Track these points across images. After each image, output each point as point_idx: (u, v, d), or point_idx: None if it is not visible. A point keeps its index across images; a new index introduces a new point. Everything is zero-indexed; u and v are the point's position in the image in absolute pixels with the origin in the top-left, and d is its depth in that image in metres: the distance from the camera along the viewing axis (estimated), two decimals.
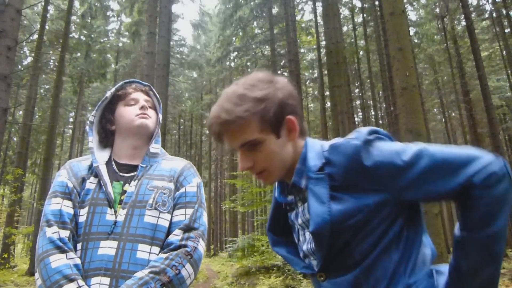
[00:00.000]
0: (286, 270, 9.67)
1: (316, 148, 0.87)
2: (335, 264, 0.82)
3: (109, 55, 21.13)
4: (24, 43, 14.77)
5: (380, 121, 21.35)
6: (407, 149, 0.78)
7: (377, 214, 0.78)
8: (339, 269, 0.82)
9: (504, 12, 15.36)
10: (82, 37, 17.75)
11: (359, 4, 18.97)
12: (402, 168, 0.76)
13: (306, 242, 0.90)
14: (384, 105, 19.35)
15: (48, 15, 15.79)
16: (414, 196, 0.79)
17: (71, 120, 25.74)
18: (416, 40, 18.49)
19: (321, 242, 0.81)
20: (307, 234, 0.89)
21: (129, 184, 1.21)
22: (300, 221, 0.90)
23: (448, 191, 0.75)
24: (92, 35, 17.09)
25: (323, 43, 15.77)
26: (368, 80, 19.37)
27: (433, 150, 0.76)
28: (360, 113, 25.43)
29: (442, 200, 0.84)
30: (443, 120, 23.12)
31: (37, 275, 1.07)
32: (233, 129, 0.83)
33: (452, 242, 0.81)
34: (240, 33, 17.80)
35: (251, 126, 0.82)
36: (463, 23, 16.49)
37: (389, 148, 0.79)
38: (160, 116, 1.37)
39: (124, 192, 1.19)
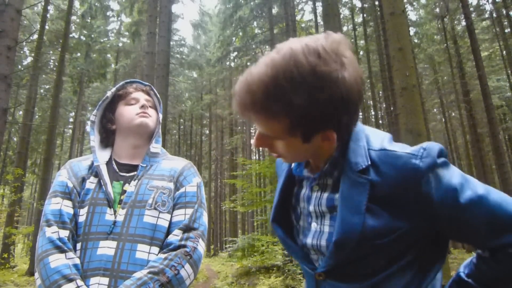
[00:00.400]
0: (286, 270, 9.67)
1: (361, 140, 0.74)
2: (343, 270, 0.76)
3: (109, 55, 21.14)
4: (24, 43, 14.78)
5: (380, 121, 21.36)
6: (469, 187, 0.69)
7: (407, 236, 0.71)
8: (346, 276, 0.76)
9: (504, 12, 15.36)
10: (82, 37, 17.77)
11: (359, 4, 18.98)
12: (457, 206, 0.68)
13: (312, 235, 0.80)
14: (384, 105, 19.36)
15: (48, 15, 15.79)
16: (448, 231, 0.73)
17: (71, 120, 25.74)
18: (416, 40, 18.50)
19: (340, 252, 0.73)
20: (315, 225, 0.80)
21: (129, 184, 1.20)
22: (312, 208, 0.81)
23: (481, 243, 0.72)
24: (92, 35, 17.10)
25: None
26: (368, 80, 19.36)
27: (493, 202, 0.68)
28: (360, 113, 25.42)
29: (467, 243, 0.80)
30: (443, 120, 23.14)
31: (36, 275, 1.07)
32: (259, 117, 0.69)
33: (453, 279, 0.80)
34: (240, 33, 17.81)
35: (280, 124, 0.68)
36: (463, 23, 16.50)
37: (452, 180, 0.69)
38: (161, 115, 1.37)
39: (124, 192, 1.19)
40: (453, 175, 0.70)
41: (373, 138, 0.75)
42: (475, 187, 0.69)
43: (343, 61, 0.66)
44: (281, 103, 0.64)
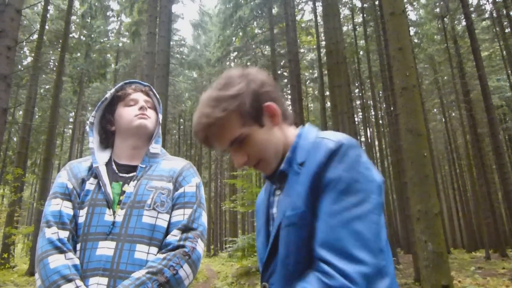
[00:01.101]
0: None
1: (310, 137, 0.85)
2: (281, 267, 0.80)
3: (109, 55, 21.14)
4: (24, 43, 14.78)
5: (380, 121, 21.36)
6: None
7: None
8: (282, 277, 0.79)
9: (504, 12, 15.36)
10: (82, 37, 17.77)
11: (359, 4, 18.97)
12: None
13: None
14: (384, 105, 19.35)
15: (48, 15, 15.79)
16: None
17: (71, 120, 25.75)
18: (416, 40, 18.49)
19: (276, 236, 0.81)
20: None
21: (128, 184, 1.21)
22: (275, 209, 0.89)
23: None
24: (92, 35, 17.09)
25: (323, 43, 15.78)
26: (368, 80, 19.37)
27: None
28: (360, 113, 25.44)
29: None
30: (443, 120, 23.14)
31: (36, 275, 1.08)
32: (216, 130, 0.83)
33: None
34: (240, 33, 17.81)
35: (232, 123, 0.82)
36: (463, 23, 16.51)
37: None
38: (160, 116, 1.37)
39: (123, 192, 1.19)
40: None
41: (320, 134, 0.84)
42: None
43: (246, 72, 0.87)
44: (221, 105, 0.81)
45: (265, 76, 0.88)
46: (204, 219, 1.23)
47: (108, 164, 1.26)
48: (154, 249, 1.13)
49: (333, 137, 0.78)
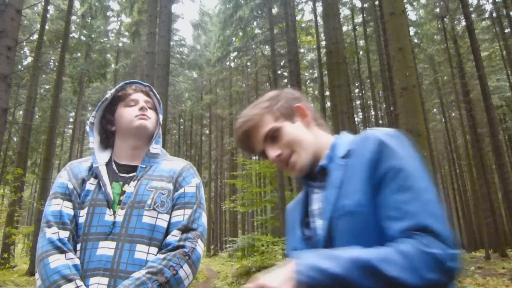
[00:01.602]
0: None
1: (348, 137, 0.93)
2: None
3: (109, 55, 21.13)
4: (24, 43, 14.78)
5: (380, 121, 21.36)
6: None
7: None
8: None
9: (504, 12, 15.37)
10: (82, 37, 17.76)
11: (359, 4, 18.97)
12: None
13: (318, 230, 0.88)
14: (384, 105, 19.36)
15: (48, 15, 15.79)
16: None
17: (71, 120, 25.76)
18: (416, 40, 18.49)
19: (327, 232, 0.83)
20: (320, 222, 0.87)
21: (128, 184, 1.21)
22: (315, 206, 0.91)
23: None
24: (92, 35, 17.09)
25: (323, 43, 15.78)
26: (368, 80, 19.37)
27: None
28: (360, 113, 25.45)
29: None
30: (443, 120, 23.14)
31: (37, 275, 1.08)
32: (252, 127, 0.93)
33: None
34: (240, 33, 17.80)
35: (266, 119, 0.92)
36: (463, 23, 16.51)
37: None
38: (161, 116, 1.37)
39: (123, 192, 1.19)
40: None
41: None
42: None
43: (282, 90, 1.01)
44: (258, 106, 0.95)
45: (298, 93, 1.00)
46: (204, 219, 1.23)
47: (108, 164, 1.26)
48: (154, 249, 1.13)
49: (379, 130, 0.85)
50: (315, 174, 0.91)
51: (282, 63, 19.41)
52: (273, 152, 0.91)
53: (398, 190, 0.74)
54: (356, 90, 23.76)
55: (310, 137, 0.93)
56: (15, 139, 21.25)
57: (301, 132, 0.92)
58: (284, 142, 0.91)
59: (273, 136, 0.91)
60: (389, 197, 0.74)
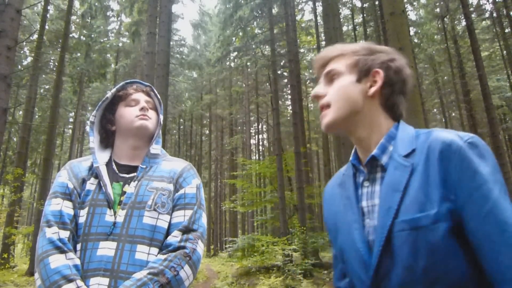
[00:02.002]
0: (286, 270, 9.67)
1: (409, 131, 0.82)
2: (393, 275, 0.74)
3: (109, 55, 21.11)
4: (24, 43, 14.78)
5: None
6: None
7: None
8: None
9: (504, 12, 15.36)
10: (82, 37, 17.74)
11: (359, 4, 18.97)
12: None
13: (366, 232, 0.81)
14: None
15: (48, 15, 15.78)
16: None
17: (71, 120, 25.74)
18: (416, 40, 18.49)
19: (386, 241, 0.75)
20: (368, 221, 0.81)
21: (129, 185, 1.21)
22: (364, 203, 0.83)
23: None
24: (92, 35, 17.07)
25: (323, 43, 15.78)
26: None
27: None
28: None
29: None
30: (443, 120, 23.13)
31: (36, 275, 1.07)
32: (328, 58, 0.90)
33: None
34: (240, 33, 17.79)
35: (344, 60, 0.88)
36: (463, 23, 16.50)
37: None
38: (161, 117, 1.37)
39: (124, 193, 1.19)
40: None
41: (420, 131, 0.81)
42: None
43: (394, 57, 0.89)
44: (354, 46, 0.90)
45: (407, 69, 0.88)
46: (204, 220, 1.23)
47: (108, 164, 1.26)
48: (154, 250, 1.13)
49: (457, 134, 0.74)
50: (367, 161, 0.83)
51: (282, 63, 19.40)
52: (318, 89, 0.90)
53: (490, 232, 0.65)
54: None
55: (358, 104, 0.84)
56: (15, 139, 21.24)
57: (352, 93, 0.85)
58: (333, 89, 0.87)
59: (332, 78, 0.88)
60: (481, 240, 0.66)
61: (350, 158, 0.91)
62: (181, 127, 31.55)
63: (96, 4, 16.48)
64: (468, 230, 0.68)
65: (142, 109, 1.29)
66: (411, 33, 18.06)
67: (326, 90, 0.88)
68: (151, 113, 1.32)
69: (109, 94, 1.32)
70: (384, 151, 0.81)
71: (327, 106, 0.87)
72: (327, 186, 1.00)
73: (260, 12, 17.37)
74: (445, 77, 21.98)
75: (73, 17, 18.05)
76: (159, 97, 1.38)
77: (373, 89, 0.85)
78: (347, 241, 0.84)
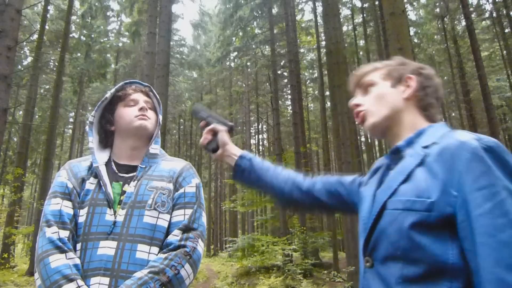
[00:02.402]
0: (286, 270, 9.68)
1: (442, 129, 0.86)
2: (384, 249, 0.79)
3: (109, 55, 21.12)
4: (24, 43, 14.78)
5: None
6: None
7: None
8: (388, 258, 0.78)
9: (504, 12, 15.36)
10: (82, 37, 17.75)
11: (359, 4, 18.97)
12: None
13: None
14: None
15: (48, 15, 15.79)
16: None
17: (71, 120, 25.74)
18: (416, 40, 18.49)
19: (378, 217, 0.82)
20: None
21: (129, 184, 1.21)
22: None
23: None
24: (92, 35, 17.08)
25: (323, 43, 15.78)
26: None
27: None
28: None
29: None
30: (443, 120, 23.12)
31: (36, 275, 1.07)
32: (367, 73, 0.99)
33: None
34: (240, 33, 17.80)
35: (377, 73, 0.97)
36: (463, 23, 16.50)
37: None
38: (160, 117, 1.37)
39: (124, 192, 1.19)
40: None
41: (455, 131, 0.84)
42: None
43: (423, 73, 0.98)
44: (388, 63, 0.99)
45: (437, 78, 0.97)
46: (204, 219, 1.23)
47: (107, 164, 1.27)
48: (155, 249, 1.13)
49: (477, 138, 0.76)
50: (391, 151, 0.91)
51: (282, 63, 19.41)
52: (355, 100, 0.98)
53: (489, 239, 0.66)
54: None
55: (396, 106, 0.92)
56: (15, 139, 21.24)
57: (389, 95, 0.93)
58: (370, 98, 0.95)
59: (366, 88, 0.96)
60: (469, 237, 0.68)
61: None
62: (181, 127, 31.55)
63: (96, 4, 16.49)
64: (460, 226, 0.70)
65: (141, 109, 1.29)
66: (411, 33, 18.05)
67: (362, 99, 0.97)
68: (150, 113, 1.32)
69: (108, 94, 1.32)
70: (410, 144, 0.87)
71: (366, 112, 0.95)
72: (377, 161, 1.08)
73: (260, 12, 17.38)
74: (445, 77, 21.96)
75: (73, 17, 18.06)
76: (158, 97, 1.38)
77: (408, 91, 0.93)
78: (361, 211, 0.93)
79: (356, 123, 0.98)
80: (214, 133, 1.23)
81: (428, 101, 0.93)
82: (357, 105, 0.97)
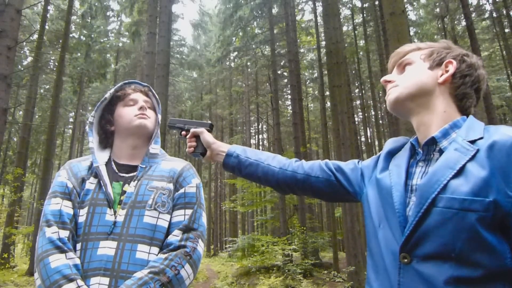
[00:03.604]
0: (286, 270, 9.68)
1: (480, 124, 0.83)
2: (428, 245, 0.75)
3: (109, 55, 21.11)
4: (24, 43, 14.77)
5: (380, 121, 21.36)
6: None
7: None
8: (432, 256, 0.74)
9: (504, 12, 15.36)
10: (82, 37, 17.74)
11: (359, 4, 18.97)
12: None
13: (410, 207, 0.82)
14: (384, 105, 19.34)
15: (48, 15, 15.79)
16: None
17: (71, 120, 25.74)
18: (416, 40, 18.47)
19: (423, 213, 0.77)
20: (414, 199, 0.81)
21: (129, 184, 1.21)
22: (414, 181, 0.84)
23: None
24: (92, 35, 17.07)
25: (323, 43, 15.77)
26: (368, 80, 19.35)
27: None
28: (360, 113, 25.44)
29: None
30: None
31: (36, 275, 1.07)
32: (409, 52, 0.95)
33: None
34: (240, 33, 17.79)
35: (418, 52, 0.93)
36: (463, 23, 16.50)
37: None
38: (159, 116, 1.37)
39: (124, 192, 1.19)
40: None
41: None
42: None
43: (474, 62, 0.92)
44: (434, 45, 0.94)
45: (482, 69, 0.91)
46: (204, 219, 1.23)
47: (107, 164, 1.27)
48: (155, 249, 1.13)
49: None
50: (426, 141, 0.85)
51: (282, 63, 19.40)
52: (388, 76, 0.94)
53: None
54: (356, 90, 23.73)
55: (427, 87, 0.88)
56: (15, 139, 21.24)
57: (422, 76, 0.89)
58: (404, 76, 0.92)
59: (403, 67, 0.93)
60: None
61: (411, 139, 0.94)
62: None
63: (96, 4, 16.47)
64: None
65: (141, 108, 1.30)
66: (411, 33, 18.06)
67: (396, 78, 0.93)
68: (150, 113, 1.33)
69: (107, 94, 1.32)
70: (445, 136, 0.83)
71: (395, 86, 0.92)
72: (389, 141, 1.03)
73: (260, 12, 17.37)
74: None
75: (73, 17, 18.06)
76: (157, 97, 1.38)
77: (444, 76, 0.88)
78: (388, 200, 0.85)
79: (387, 98, 0.93)
80: (197, 137, 1.23)
81: (464, 90, 0.88)
82: (388, 81, 0.93)
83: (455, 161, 0.75)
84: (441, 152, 0.82)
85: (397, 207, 0.81)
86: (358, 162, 1.08)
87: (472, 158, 0.74)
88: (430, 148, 0.85)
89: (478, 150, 0.74)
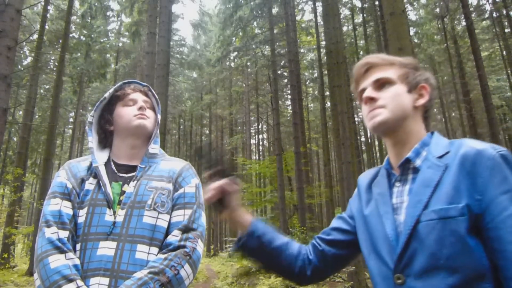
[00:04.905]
0: None
1: (444, 140, 0.90)
2: (420, 262, 0.79)
3: (109, 55, 21.11)
4: (24, 43, 14.77)
5: None
6: None
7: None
8: (426, 271, 0.78)
9: (504, 12, 15.36)
10: (82, 37, 17.74)
11: (359, 4, 18.96)
12: None
13: (392, 226, 0.87)
14: None
15: (48, 15, 15.79)
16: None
17: (71, 120, 25.74)
18: (416, 40, 18.47)
19: (413, 231, 0.82)
20: (396, 217, 0.87)
21: (128, 184, 1.21)
22: (394, 200, 0.90)
23: None
24: (92, 35, 17.06)
25: (323, 43, 15.77)
26: None
27: None
28: (360, 113, 25.43)
29: None
30: (443, 120, 23.13)
31: (36, 275, 1.07)
32: (378, 65, 0.96)
33: None
34: (240, 33, 17.79)
35: (393, 70, 0.95)
36: (463, 23, 16.49)
37: None
38: (159, 116, 1.37)
39: (123, 192, 1.19)
40: None
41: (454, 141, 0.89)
42: None
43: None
44: (403, 60, 0.98)
45: (435, 84, 1.00)
46: (203, 219, 1.23)
47: (107, 164, 1.26)
48: (154, 249, 1.13)
49: (491, 147, 0.81)
50: (400, 163, 0.91)
51: (282, 63, 19.40)
52: (371, 93, 0.94)
53: None
54: None
55: (407, 111, 0.93)
56: (15, 139, 21.24)
57: (405, 102, 0.93)
58: (386, 95, 0.93)
59: (383, 84, 0.94)
60: (495, 239, 0.73)
61: (383, 164, 1.00)
62: (181, 127, 31.55)
63: (96, 4, 16.47)
64: (488, 227, 0.74)
65: (140, 108, 1.29)
66: (411, 33, 18.04)
67: (378, 94, 0.94)
68: (149, 113, 1.32)
69: (106, 94, 1.32)
70: (417, 155, 0.89)
71: (381, 107, 0.93)
72: (361, 177, 1.07)
73: (260, 12, 17.37)
74: (445, 77, 21.97)
75: (73, 17, 18.05)
76: (156, 96, 1.38)
77: (421, 101, 0.94)
78: (377, 230, 0.90)
79: (366, 115, 0.95)
80: (222, 190, 1.05)
81: (430, 113, 0.97)
82: (373, 99, 0.94)
83: (430, 179, 0.82)
84: (415, 170, 0.88)
85: (389, 233, 0.86)
86: (343, 214, 1.10)
87: (444, 172, 0.81)
88: (405, 167, 0.91)
89: (447, 164, 0.82)
